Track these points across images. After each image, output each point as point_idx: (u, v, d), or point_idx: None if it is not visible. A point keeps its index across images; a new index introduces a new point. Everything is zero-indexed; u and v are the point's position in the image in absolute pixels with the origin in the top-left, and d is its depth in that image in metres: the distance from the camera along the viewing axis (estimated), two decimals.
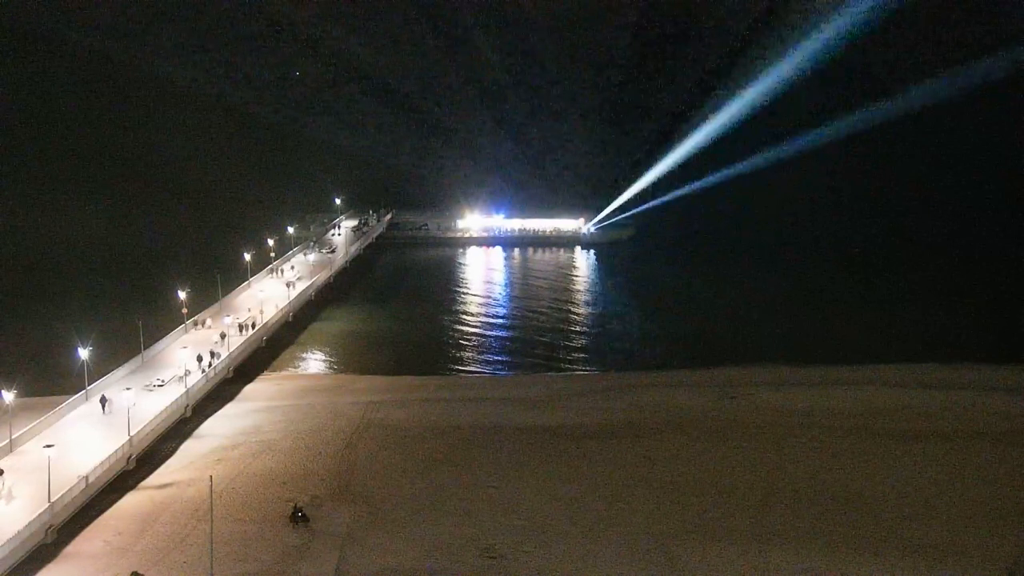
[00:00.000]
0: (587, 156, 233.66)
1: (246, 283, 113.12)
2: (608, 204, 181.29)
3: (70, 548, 52.61)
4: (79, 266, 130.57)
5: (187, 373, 76.37)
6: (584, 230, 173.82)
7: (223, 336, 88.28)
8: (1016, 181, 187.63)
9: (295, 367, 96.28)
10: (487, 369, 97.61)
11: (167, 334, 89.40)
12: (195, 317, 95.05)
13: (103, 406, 70.11)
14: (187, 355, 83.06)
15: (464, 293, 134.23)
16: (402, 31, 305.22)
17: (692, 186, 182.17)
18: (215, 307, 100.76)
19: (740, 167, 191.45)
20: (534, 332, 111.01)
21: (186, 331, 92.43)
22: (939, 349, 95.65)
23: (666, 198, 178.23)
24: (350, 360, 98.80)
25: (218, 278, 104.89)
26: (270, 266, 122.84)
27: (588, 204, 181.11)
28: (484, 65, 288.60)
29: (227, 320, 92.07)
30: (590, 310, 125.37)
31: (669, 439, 70.50)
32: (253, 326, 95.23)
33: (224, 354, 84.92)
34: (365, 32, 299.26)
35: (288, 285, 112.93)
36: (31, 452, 60.73)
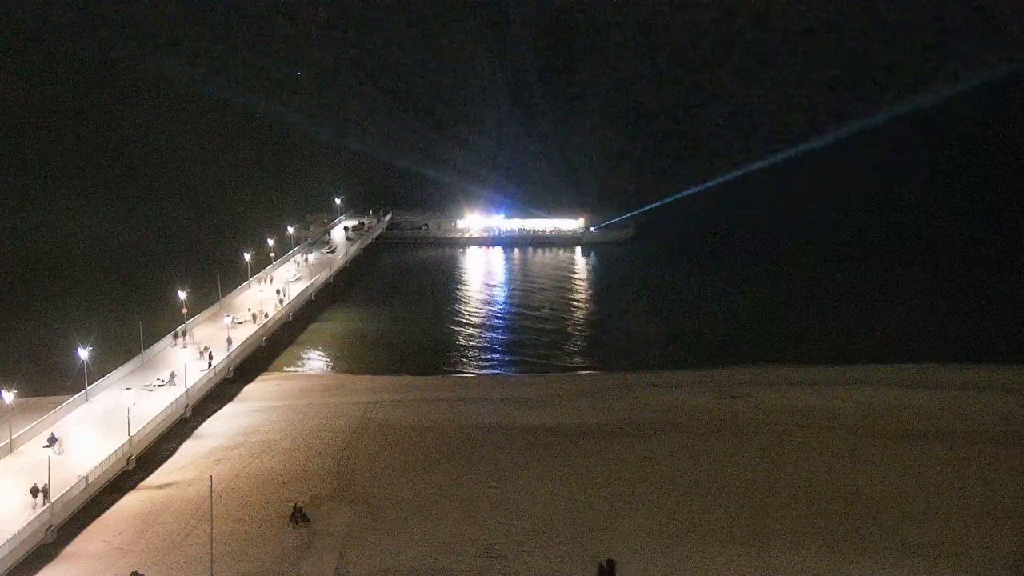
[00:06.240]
0: (587, 156, 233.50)
1: (235, 289, 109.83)
2: (608, 204, 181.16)
3: (70, 548, 52.68)
4: (79, 266, 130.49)
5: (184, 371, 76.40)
6: (584, 229, 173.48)
7: (208, 353, 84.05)
8: (1016, 181, 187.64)
9: (295, 367, 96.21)
10: (487, 369, 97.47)
11: (167, 334, 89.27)
12: (176, 329, 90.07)
13: (52, 444, 60.64)
14: (187, 355, 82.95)
15: (464, 293, 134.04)
16: (402, 31, 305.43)
17: (692, 188, 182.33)
18: (204, 314, 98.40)
19: (740, 168, 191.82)
20: (534, 332, 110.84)
21: (175, 340, 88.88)
22: (939, 349, 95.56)
23: (667, 199, 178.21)
24: (350, 360, 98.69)
25: (218, 278, 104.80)
26: (257, 275, 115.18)
27: (588, 204, 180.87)
28: (484, 65, 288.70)
29: (226, 320, 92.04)
30: (590, 310, 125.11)
31: (669, 439, 70.45)
32: (251, 318, 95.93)
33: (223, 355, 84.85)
34: (365, 32, 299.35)
35: (279, 293, 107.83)
36: (31, 452, 60.77)
